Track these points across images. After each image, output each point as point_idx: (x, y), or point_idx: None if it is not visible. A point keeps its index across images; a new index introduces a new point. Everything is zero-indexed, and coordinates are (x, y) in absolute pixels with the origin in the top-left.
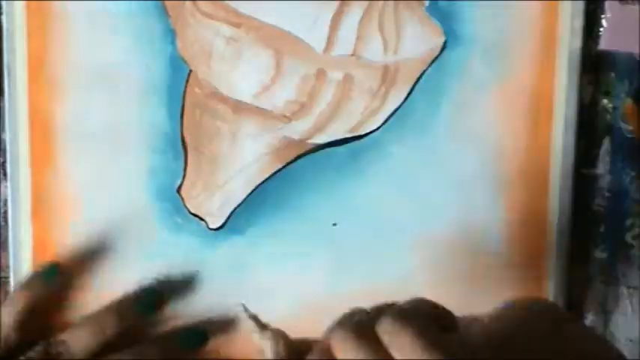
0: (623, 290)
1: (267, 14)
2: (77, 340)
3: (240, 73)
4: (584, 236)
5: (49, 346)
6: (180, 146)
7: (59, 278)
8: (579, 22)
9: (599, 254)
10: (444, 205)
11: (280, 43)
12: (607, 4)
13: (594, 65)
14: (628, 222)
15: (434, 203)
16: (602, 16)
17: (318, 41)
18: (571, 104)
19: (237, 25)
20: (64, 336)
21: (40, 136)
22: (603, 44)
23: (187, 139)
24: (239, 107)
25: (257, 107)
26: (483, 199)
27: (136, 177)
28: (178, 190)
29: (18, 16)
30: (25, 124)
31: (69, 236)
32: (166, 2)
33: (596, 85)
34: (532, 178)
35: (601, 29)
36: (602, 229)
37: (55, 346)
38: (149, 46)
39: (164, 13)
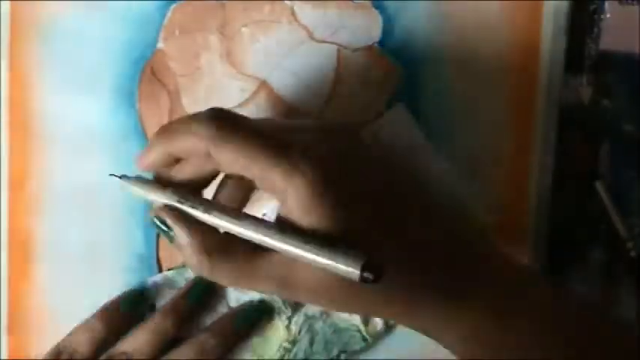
0: (623, 290)
1: None
2: (139, 349)
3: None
4: (583, 236)
5: None
6: (155, 266)
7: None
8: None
9: (599, 254)
10: None
11: None
12: (607, 4)
13: (594, 65)
14: (628, 222)
15: None
16: (602, 16)
17: None
18: None
19: None
20: (124, 347)
21: (18, 253)
22: (603, 44)
23: (162, 260)
24: None
25: None
26: None
27: (111, 295)
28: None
29: (1, 137)
30: (4, 240)
31: (44, 351)
32: (146, 126)
33: (596, 85)
34: None
35: (601, 29)
36: (601, 229)
37: (118, 358)
38: (128, 168)
39: (144, 136)
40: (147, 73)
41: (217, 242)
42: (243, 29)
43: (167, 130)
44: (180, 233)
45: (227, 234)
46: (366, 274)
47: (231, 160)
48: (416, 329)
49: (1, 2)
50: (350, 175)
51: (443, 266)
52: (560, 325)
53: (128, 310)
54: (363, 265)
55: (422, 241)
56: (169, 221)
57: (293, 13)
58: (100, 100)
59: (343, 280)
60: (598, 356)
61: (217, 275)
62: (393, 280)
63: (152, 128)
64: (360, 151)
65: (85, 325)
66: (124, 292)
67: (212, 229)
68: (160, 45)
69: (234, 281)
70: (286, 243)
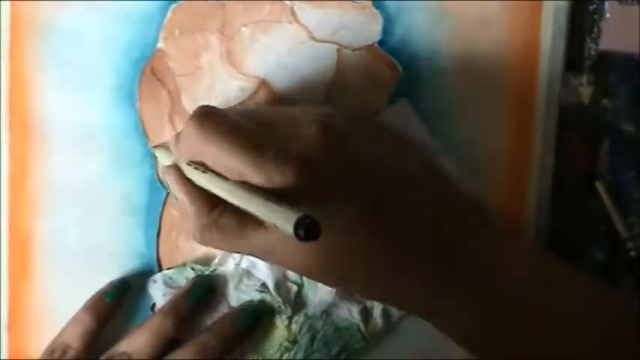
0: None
1: None
2: (139, 349)
3: None
4: (583, 236)
5: None
6: (155, 266)
7: (123, 295)
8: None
9: (599, 254)
10: None
11: None
12: (607, 4)
13: (594, 65)
14: (628, 222)
15: None
16: (602, 16)
17: None
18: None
19: None
20: (124, 347)
21: (18, 253)
22: (603, 44)
23: (163, 259)
24: None
25: None
26: None
27: None
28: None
29: (1, 137)
30: (5, 240)
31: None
32: (146, 126)
33: (596, 85)
34: None
35: (601, 29)
36: (601, 229)
37: (119, 358)
38: (128, 168)
39: (144, 136)
40: (147, 73)
41: (211, 216)
42: (243, 29)
43: (176, 137)
44: (182, 199)
45: (220, 203)
46: (299, 231)
47: (214, 162)
48: (401, 308)
49: (1, 2)
50: (325, 161)
51: (431, 242)
52: (552, 312)
53: (114, 300)
54: (296, 221)
55: (411, 216)
56: (174, 185)
57: (293, 13)
58: (100, 100)
59: (318, 257)
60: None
61: (208, 245)
62: (378, 255)
63: (152, 128)
64: (347, 131)
65: (73, 320)
66: (109, 283)
67: (208, 198)
68: (160, 45)
69: (224, 249)
70: (237, 198)
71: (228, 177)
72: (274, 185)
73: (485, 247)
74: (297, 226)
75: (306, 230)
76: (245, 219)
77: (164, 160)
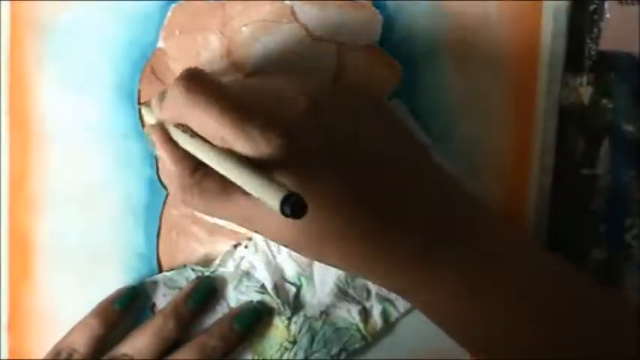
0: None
1: None
2: (140, 351)
3: None
4: (583, 236)
5: None
6: (155, 265)
7: (133, 303)
8: None
9: (599, 254)
10: None
11: None
12: (607, 4)
13: (594, 65)
14: (628, 222)
15: None
16: (602, 16)
17: None
18: None
19: None
20: (125, 348)
21: (18, 253)
22: (603, 44)
23: (163, 259)
24: (214, 230)
25: (232, 230)
26: None
27: None
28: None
29: (1, 137)
30: (5, 240)
31: (44, 351)
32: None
33: (596, 85)
34: None
35: (601, 29)
36: (601, 229)
37: (120, 359)
38: (128, 168)
39: (144, 137)
40: (147, 72)
41: (194, 177)
42: (243, 29)
43: (160, 98)
44: (165, 159)
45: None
46: (285, 209)
47: (199, 127)
48: (382, 285)
49: (1, 2)
50: (313, 135)
51: (420, 225)
52: (539, 300)
53: (123, 307)
54: (283, 198)
55: (402, 195)
56: (157, 145)
57: (293, 13)
58: (100, 100)
59: (299, 232)
60: (577, 335)
61: (190, 207)
62: (361, 230)
63: None
64: (337, 105)
65: (81, 324)
66: (118, 290)
67: (192, 159)
68: (161, 44)
69: (204, 213)
70: (224, 167)
71: (213, 143)
72: (260, 154)
73: (482, 238)
74: (283, 204)
75: (293, 208)
76: (228, 184)
77: (149, 118)
